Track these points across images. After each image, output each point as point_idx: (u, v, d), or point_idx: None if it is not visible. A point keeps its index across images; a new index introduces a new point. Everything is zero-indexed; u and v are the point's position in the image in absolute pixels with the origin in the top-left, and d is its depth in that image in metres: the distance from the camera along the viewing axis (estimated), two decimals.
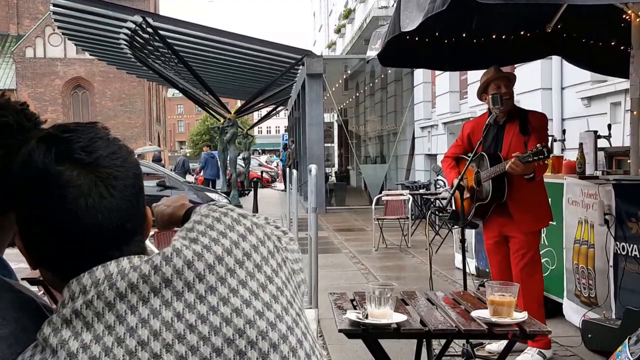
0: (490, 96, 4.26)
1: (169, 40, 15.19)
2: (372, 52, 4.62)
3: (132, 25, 14.92)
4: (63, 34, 18.97)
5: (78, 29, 16.53)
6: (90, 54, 21.97)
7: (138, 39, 15.85)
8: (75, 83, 45.42)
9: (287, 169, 22.40)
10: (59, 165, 0.89)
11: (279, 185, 28.33)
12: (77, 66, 44.94)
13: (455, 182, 4.24)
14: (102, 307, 0.86)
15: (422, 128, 16.22)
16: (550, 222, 4.46)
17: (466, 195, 4.36)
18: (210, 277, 0.90)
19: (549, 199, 4.41)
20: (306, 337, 0.96)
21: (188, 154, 42.07)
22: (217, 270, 0.91)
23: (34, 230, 0.91)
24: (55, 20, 16.47)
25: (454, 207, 4.47)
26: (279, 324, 0.92)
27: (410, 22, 3.78)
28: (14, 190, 0.91)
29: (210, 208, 1.02)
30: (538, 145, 3.89)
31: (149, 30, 15.00)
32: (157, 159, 23.07)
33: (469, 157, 4.28)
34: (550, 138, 4.98)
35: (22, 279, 1.12)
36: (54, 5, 14.93)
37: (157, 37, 15.18)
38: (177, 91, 21.59)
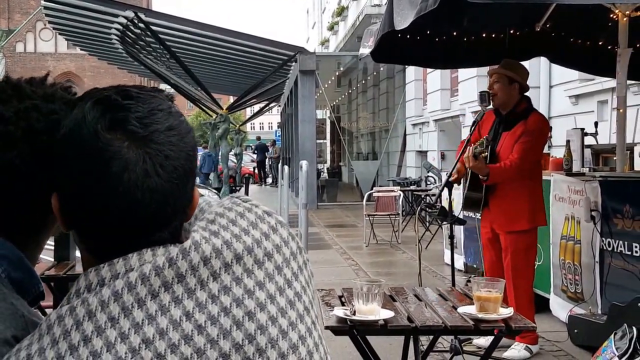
0: (479, 93, 4.31)
1: (160, 36, 15.16)
2: (365, 50, 4.65)
3: (124, 21, 14.86)
4: (54, 28, 18.90)
5: (69, 23, 16.46)
6: (82, 49, 21.88)
7: (130, 34, 15.80)
8: (65, 78, 45.21)
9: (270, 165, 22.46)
10: (110, 134, 0.83)
11: (268, 180, 28.44)
12: (67, 61, 44.82)
13: (445, 179, 4.29)
14: (108, 295, 0.81)
15: (414, 125, 16.29)
16: (539, 227, 4.37)
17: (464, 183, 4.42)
18: (226, 277, 0.86)
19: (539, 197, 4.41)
20: (317, 349, 0.91)
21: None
22: (234, 270, 0.86)
23: (72, 193, 0.86)
24: (47, 15, 16.38)
25: (443, 203, 4.51)
26: (291, 333, 0.87)
27: (403, 20, 3.82)
28: (60, 149, 0.87)
29: (234, 202, 0.96)
30: (483, 137, 3.97)
31: (141, 25, 14.95)
32: None
33: (464, 149, 4.31)
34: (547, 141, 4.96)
35: None
36: None
37: (149, 33, 15.14)
38: (168, 87, 21.56)
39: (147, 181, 0.83)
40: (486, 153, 4.04)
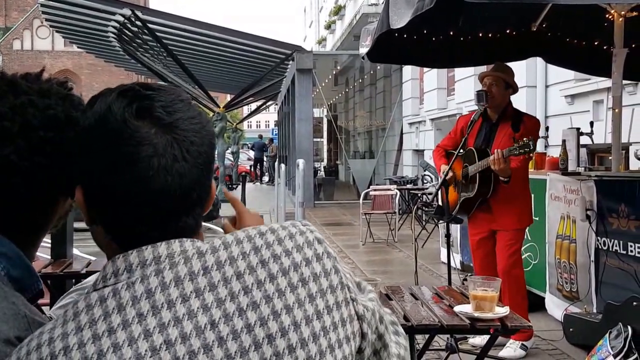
0: (475, 92, 4.34)
1: (157, 34, 15.13)
2: (364, 49, 4.68)
3: (121, 19, 14.83)
4: (51, 26, 18.84)
5: (66, 21, 16.42)
6: (79, 47, 21.83)
7: (127, 32, 15.77)
8: (62, 76, 44.98)
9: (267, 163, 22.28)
10: (137, 121, 0.86)
11: (265, 179, 28.47)
12: (64, 59, 44.67)
13: (441, 177, 4.31)
14: (141, 292, 0.83)
15: (410, 124, 16.31)
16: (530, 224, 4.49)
17: (453, 188, 4.43)
18: (257, 293, 0.85)
19: (532, 195, 4.48)
20: None
21: None
22: (266, 288, 0.86)
23: (99, 183, 0.87)
24: (44, 12, 16.36)
25: (439, 202, 4.53)
26: None
27: (399, 19, 3.83)
28: (84, 142, 0.88)
29: (293, 223, 0.96)
30: (525, 138, 3.93)
31: (138, 23, 14.93)
32: None
33: (459, 151, 4.33)
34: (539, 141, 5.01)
35: None
36: None
37: (145, 31, 15.12)
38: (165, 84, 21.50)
39: (176, 165, 0.86)
40: (532, 155, 4.04)
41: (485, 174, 4.19)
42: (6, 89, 0.98)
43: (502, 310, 2.77)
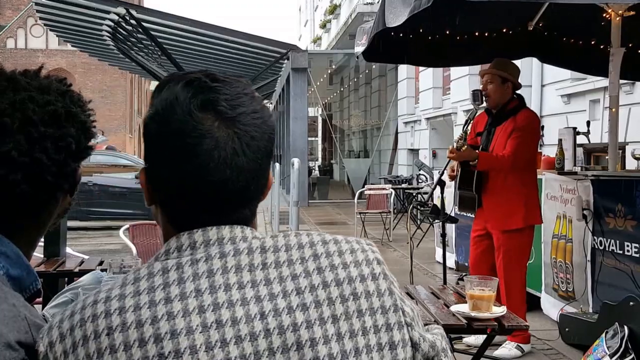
0: (471, 92, 4.33)
1: (152, 33, 15.09)
2: (359, 49, 4.70)
3: (115, 17, 14.78)
4: (45, 25, 18.75)
5: (60, 20, 16.36)
6: (73, 46, 21.75)
7: (121, 30, 15.72)
8: (55, 74, 45.01)
9: None
10: (201, 113, 0.88)
11: None
12: (58, 57, 44.53)
13: (437, 177, 4.30)
14: (203, 270, 0.86)
15: (405, 123, 16.32)
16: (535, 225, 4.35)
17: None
18: (308, 296, 0.88)
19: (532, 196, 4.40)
20: None
21: None
22: (318, 293, 0.88)
23: (160, 170, 0.91)
24: (38, 11, 16.29)
25: (434, 202, 4.52)
26: None
27: (395, 18, 3.81)
28: (150, 128, 0.91)
29: (357, 240, 0.97)
30: (464, 129, 4.04)
31: (132, 22, 14.88)
32: (111, 149, 23.01)
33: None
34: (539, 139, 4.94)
35: None
36: None
37: (140, 29, 15.08)
38: None
39: (235, 159, 0.89)
40: (466, 146, 4.08)
41: (464, 169, 4.21)
42: (6, 85, 0.98)
43: (499, 310, 2.75)
